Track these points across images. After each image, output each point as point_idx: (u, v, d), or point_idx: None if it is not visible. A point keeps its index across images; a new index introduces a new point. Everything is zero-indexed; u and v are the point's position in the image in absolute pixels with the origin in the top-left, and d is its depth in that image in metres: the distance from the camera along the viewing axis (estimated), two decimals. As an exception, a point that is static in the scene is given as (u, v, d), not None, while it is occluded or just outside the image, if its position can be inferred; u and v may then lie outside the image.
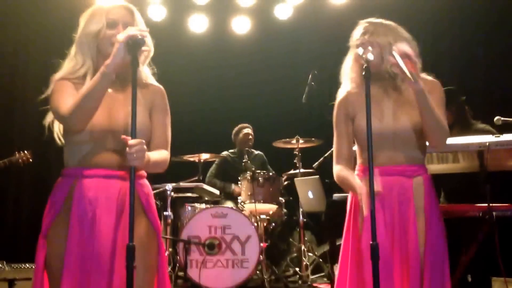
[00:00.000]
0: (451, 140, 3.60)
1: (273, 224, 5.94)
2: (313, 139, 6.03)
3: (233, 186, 6.31)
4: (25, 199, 6.67)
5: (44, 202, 2.26)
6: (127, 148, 2.02)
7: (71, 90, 2.24)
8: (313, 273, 5.76)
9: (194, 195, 5.95)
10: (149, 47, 2.30)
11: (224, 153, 6.68)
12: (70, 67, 2.31)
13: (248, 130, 6.70)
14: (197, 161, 6.00)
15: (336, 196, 4.47)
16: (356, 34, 2.60)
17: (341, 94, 2.66)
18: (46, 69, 2.33)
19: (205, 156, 6.01)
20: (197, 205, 5.57)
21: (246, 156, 6.03)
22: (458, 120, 4.43)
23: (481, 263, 3.64)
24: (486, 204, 3.36)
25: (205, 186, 5.80)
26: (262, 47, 7.65)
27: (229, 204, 5.97)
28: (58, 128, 2.37)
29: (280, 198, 5.77)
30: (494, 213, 3.36)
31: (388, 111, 2.52)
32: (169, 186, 5.36)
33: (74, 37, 2.35)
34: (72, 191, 2.21)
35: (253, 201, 5.48)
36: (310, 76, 5.47)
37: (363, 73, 2.24)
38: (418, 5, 6.48)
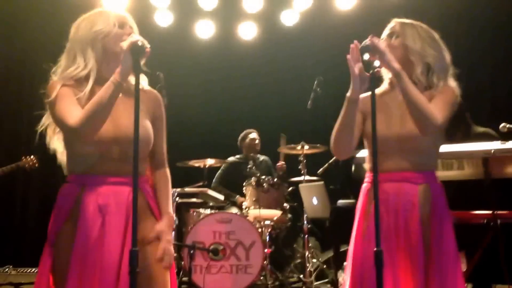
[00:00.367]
0: (456, 147, 3.60)
1: (278, 230, 5.93)
2: (318, 145, 6.03)
3: (237, 196, 6.32)
4: (31, 204, 6.71)
5: (50, 207, 2.24)
6: None
7: (74, 98, 2.19)
8: (317, 279, 5.74)
9: (199, 200, 5.96)
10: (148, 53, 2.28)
11: (230, 159, 6.69)
12: (70, 70, 2.24)
13: (254, 135, 6.70)
14: (202, 166, 6.01)
15: (340, 202, 4.48)
16: (383, 34, 2.55)
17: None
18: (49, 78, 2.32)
19: (210, 161, 6.02)
20: (201, 210, 5.57)
21: (251, 162, 6.03)
22: (460, 126, 4.38)
23: (485, 270, 3.62)
24: (491, 211, 3.35)
25: (210, 192, 5.80)
26: (268, 53, 7.67)
27: (234, 209, 5.96)
28: (51, 133, 2.34)
29: (285, 204, 5.76)
30: (499, 221, 3.35)
31: (396, 116, 2.47)
32: (174, 191, 5.36)
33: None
34: (79, 198, 2.17)
35: (257, 206, 5.48)
36: (315, 82, 5.48)
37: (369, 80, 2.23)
38: (425, 8, 6.47)
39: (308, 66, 7.39)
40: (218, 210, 5.74)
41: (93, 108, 2.10)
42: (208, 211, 5.55)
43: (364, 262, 2.36)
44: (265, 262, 5.23)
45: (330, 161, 5.56)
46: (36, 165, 5.37)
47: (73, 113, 2.12)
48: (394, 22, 2.56)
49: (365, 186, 2.57)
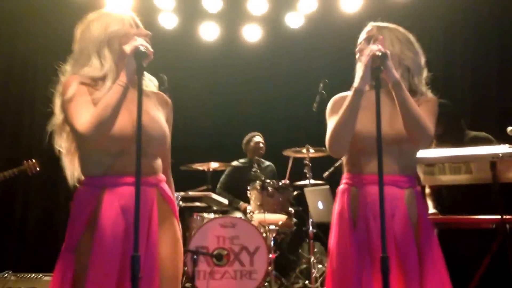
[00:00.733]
0: (463, 151, 3.56)
1: (282, 234, 5.88)
2: (323, 148, 5.97)
3: (241, 203, 6.27)
4: (32, 209, 6.67)
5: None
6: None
7: (88, 97, 2.16)
8: (322, 285, 5.69)
9: (203, 204, 5.90)
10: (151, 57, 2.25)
11: (234, 162, 6.65)
12: (87, 71, 2.22)
13: (259, 139, 6.67)
14: (206, 170, 5.97)
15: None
16: (360, 38, 2.56)
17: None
18: (54, 80, 2.29)
19: (214, 165, 5.97)
20: (205, 214, 5.53)
21: (256, 166, 5.98)
22: (450, 132, 4.30)
23: (493, 275, 3.58)
24: (500, 216, 3.31)
25: (214, 196, 5.75)
26: (273, 56, 7.66)
27: (238, 214, 5.92)
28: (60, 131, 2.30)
29: (290, 208, 5.71)
30: (507, 225, 3.32)
31: (384, 117, 2.37)
32: (177, 195, 5.32)
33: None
34: (100, 201, 2.13)
35: (262, 211, 5.43)
36: (320, 84, 5.45)
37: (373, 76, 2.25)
38: (430, 11, 6.44)
39: (313, 69, 7.38)
40: (222, 214, 5.69)
41: (103, 111, 2.08)
42: (212, 215, 5.51)
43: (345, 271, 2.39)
44: (269, 267, 5.17)
45: (336, 164, 5.50)
46: (38, 169, 5.36)
47: (83, 117, 2.09)
48: (370, 26, 2.58)
49: (341, 187, 2.55)
